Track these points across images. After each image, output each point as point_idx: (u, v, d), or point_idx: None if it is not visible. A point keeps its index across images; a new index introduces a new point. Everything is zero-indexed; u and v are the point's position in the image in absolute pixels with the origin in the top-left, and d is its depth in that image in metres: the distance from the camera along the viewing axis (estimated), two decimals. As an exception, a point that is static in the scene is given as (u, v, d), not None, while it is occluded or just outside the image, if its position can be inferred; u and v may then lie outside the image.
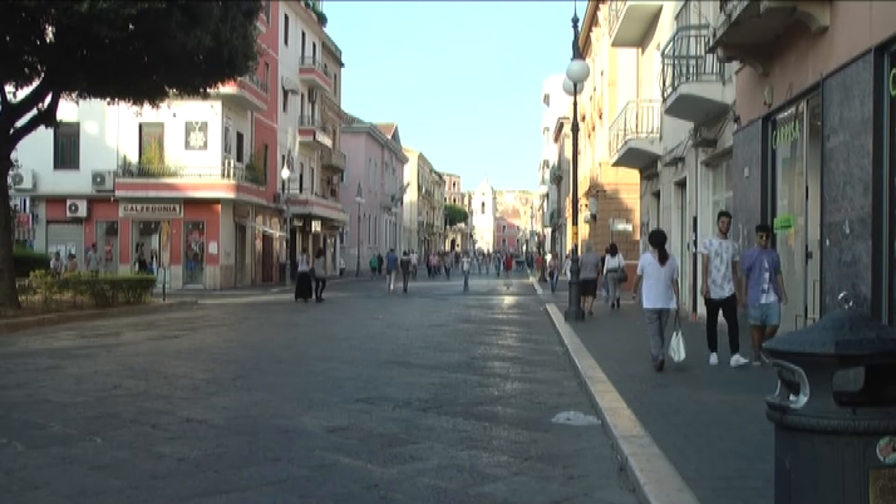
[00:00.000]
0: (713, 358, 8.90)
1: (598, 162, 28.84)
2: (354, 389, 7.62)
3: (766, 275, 8.36)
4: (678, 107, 13.58)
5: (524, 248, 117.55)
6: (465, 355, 10.34)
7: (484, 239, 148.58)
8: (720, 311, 8.88)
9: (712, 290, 8.66)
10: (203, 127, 27.72)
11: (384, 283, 29.54)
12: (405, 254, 30.86)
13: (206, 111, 27.17)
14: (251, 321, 16.41)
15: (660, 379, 7.77)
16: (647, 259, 8.60)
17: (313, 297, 22.28)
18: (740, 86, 11.64)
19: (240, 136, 30.22)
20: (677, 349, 8.39)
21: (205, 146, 27.72)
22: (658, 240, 8.57)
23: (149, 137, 27.78)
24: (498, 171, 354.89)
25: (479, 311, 18.97)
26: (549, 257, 29.77)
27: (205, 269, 27.82)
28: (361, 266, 45.75)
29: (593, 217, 29.21)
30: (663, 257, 8.49)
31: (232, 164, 27.87)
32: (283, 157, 34.93)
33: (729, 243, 8.75)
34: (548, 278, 26.33)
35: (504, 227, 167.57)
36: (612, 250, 17.82)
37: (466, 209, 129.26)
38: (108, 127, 27.76)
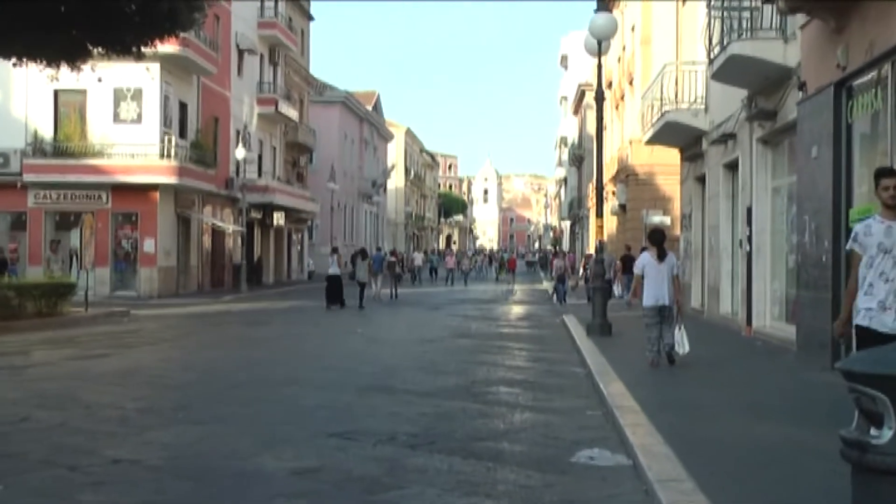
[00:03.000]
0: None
1: (627, 139, 28.87)
2: (327, 421, 7.63)
3: None
4: (728, 70, 13.60)
5: (536, 245, 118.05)
6: (463, 378, 10.41)
7: (487, 235, 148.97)
8: None
9: (874, 318, 5.50)
10: (136, 95, 27.65)
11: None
12: (392, 253, 30.87)
13: (139, 75, 27.10)
14: (197, 336, 16.38)
15: (707, 409, 7.78)
16: (646, 258, 10.72)
17: (344, 303, 23.17)
18: (807, 44, 11.66)
19: (183, 107, 30.17)
20: (682, 343, 10.52)
21: (138, 119, 27.66)
22: (657, 238, 10.71)
23: (67, 108, 27.68)
24: (504, 150, 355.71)
25: (481, 324, 19.02)
26: (561, 258, 29.63)
27: (139, 271, 27.77)
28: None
29: (622, 207, 29.24)
30: (661, 255, 10.53)
31: (173, 142, 27.82)
32: (238, 132, 34.90)
33: None
34: (556, 285, 26.40)
35: (512, 219, 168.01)
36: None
37: (465, 198, 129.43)
38: (15, 95, 27.65)
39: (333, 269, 24.18)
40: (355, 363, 11.87)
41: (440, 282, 40.98)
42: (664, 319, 10.51)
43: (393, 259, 29.75)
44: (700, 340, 14.27)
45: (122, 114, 27.68)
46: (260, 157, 38.26)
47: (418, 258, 41.80)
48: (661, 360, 10.54)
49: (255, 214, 36.16)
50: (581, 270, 25.31)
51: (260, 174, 37.02)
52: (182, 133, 29.75)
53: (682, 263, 21.05)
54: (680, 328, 10.54)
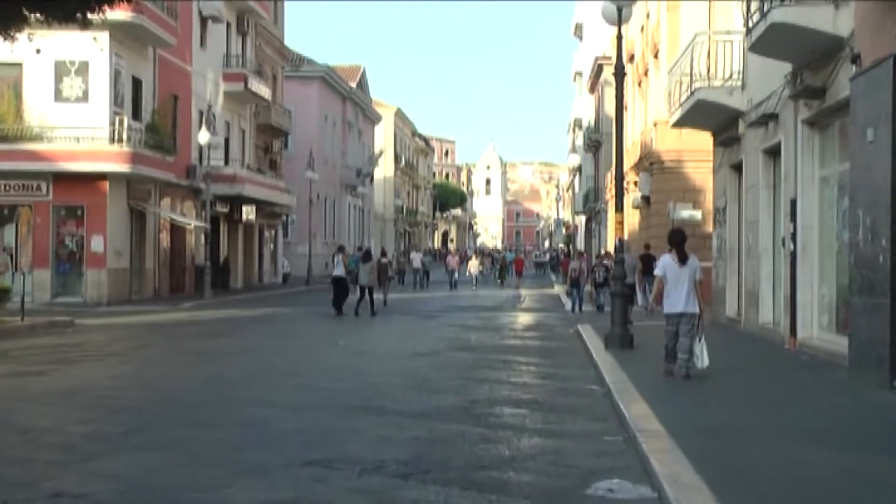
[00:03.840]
0: None
1: (652, 121, 28.87)
2: (304, 447, 7.62)
3: None
4: (769, 41, 13.59)
5: (546, 243, 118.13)
6: (462, 397, 10.43)
7: (489, 231, 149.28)
8: None
9: None
10: (82, 69, 27.59)
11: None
12: (383, 254, 30.96)
13: (86, 46, 27.05)
14: (154, 350, 16.36)
15: (744, 432, 7.78)
16: (666, 261, 11.25)
17: (342, 311, 23.68)
18: (862, 10, 11.65)
19: (137, 84, 30.13)
20: (700, 356, 11.02)
21: (85, 97, 27.60)
22: (676, 239, 11.30)
23: None
24: (509, 135, 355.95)
25: (482, 335, 19.06)
26: (577, 258, 29.59)
27: (85, 274, 27.72)
28: (314, 269, 45.85)
29: (645, 200, 29.24)
30: (682, 258, 11.09)
31: (126, 124, 27.78)
32: (201, 113, 34.86)
33: None
34: (569, 290, 26.36)
35: (518, 214, 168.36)
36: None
37: (464, 189, 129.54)
38: (-61, 68, 27.53)
39: (338, 271, 24.65)
40: (337, 380, 11.91)
41: (438, 286, 40.88)
42: (684, 328, 11.03)
43: (385, 260, 29.73)
44: (737, 354, 14.33)
45: (66, 91, 27.61)
46: (227, 142, 38.24)
47: (417, 259, 41.59)
48: (676, 370, 11.09)
49: (222, 208, 36.12)
50: (588, 273, 25.19)
51: (227, 161, 36.98)
52: (136, 114, 29.71)
53: (715, 265, 21.22)
54: (700, 339, 11.04)
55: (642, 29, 32.42)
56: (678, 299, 11.03)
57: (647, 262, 22.14)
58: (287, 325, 21.86)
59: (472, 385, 11.46)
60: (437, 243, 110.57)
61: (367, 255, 26.20)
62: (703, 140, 22.94)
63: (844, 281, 12.57)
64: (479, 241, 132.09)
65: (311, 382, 11.69)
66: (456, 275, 40.61)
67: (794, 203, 14.79)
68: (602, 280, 23.62)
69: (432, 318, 23.71)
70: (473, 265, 42.29)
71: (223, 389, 11.13)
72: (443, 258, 69.70)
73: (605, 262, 24.33)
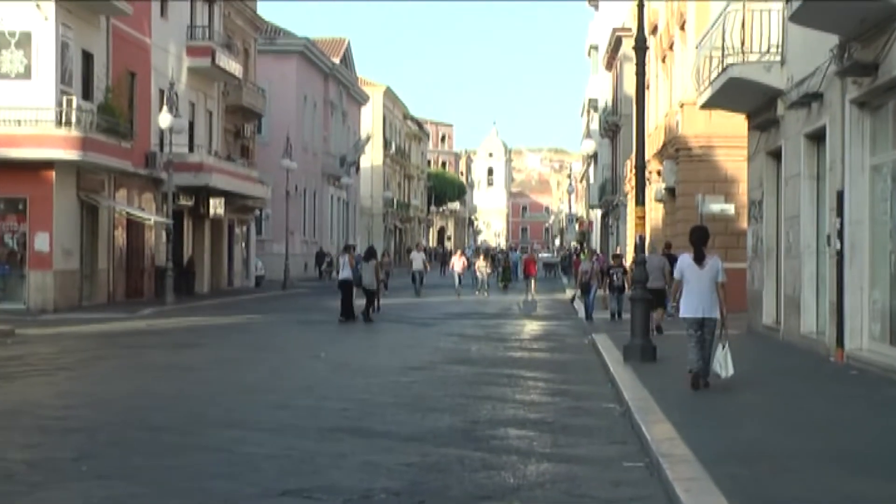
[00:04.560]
0: None
1: (678, 102, 28.91)
2: (280, 474, 7.63)
3: None
4: (813, 9, 13.59)
5: (557, 241, 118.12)
6: (460, 417, 10.45)
7: (492, 228, 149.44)
8: None
9: None
10: (23, 41, 27.53)
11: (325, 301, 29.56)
12: (382, 254, 31.12)
13: (28, 15, 27.02)
14: (109, 363, 16.31)
15: (783, 458, 7.79)
16: (686, 261, 11.74)
17: (362, 313, 24.60)
18: (915, -25, 11.64)
19: (88, 59, 30.08)
20: (724, 364, 11.46)
21: (27, 73, 27.54)
22: (696, 237, 11.83)
23: (-74, 58, 27.53)
24: (515, 118, 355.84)
25: (484, 346, 19.06)
26: (589, 259, 29.49)
27: (28, 277, 27.67)
28: (292, 271, 45.74)
29: (670, 192, 29.26)
30: (699, 258, 11.59)
31: (75, 104, 27.72)
32: (162, 92, 34.73)
33: None
34: (580, 295, 26.35)
35: (525, 208, 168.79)
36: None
37: (463, 179, 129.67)
38: None
39: (345, 273, 25.36)
40: (318, 398, 11.96)
41: (441, 290, 40.67)
42: (705, 335, 11.53)
43: (382, 260, 29.86)
44: (775, 367, 14.36)
45: (4, 66, 27.54)
46: (191, 126, 38.10)
47: (418, 259, 41.23)
48: (708, 376, 11.63)
49: (186, 201, 36.06)
50: (603, 276, 25.13)
51: (191, 148, 36.88)
52: (86, 93, 29.66)
53: (749, 266, 21.25)
54: (724, 347, 11.51)
55: (667, -4, 32.41)
56: (697, 303, 11.49)
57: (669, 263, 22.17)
58: (261, 335, 21.83)
59: (473, 403, 11.49)
60: (433, 241, 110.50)
61: (370, 253, 26.78)
62: (736, 124, 22.96)
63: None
64: (479, 239, 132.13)
65: (289, 401, 11.69)
66: (460, 279, 40.03)
67: (840, 195, 14.79)
68: (620, 283, 23.64)
69: (426, 327, 23.74)
70: (482, 266, 41.90)
71: (189, 409, 11.10)
72: (439, 258, 69.53)
73: (623, 262, 24.39)
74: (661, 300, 18.81)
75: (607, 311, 24.51)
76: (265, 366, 15.68)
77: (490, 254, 52.14)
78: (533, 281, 39.75)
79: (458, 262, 41.08)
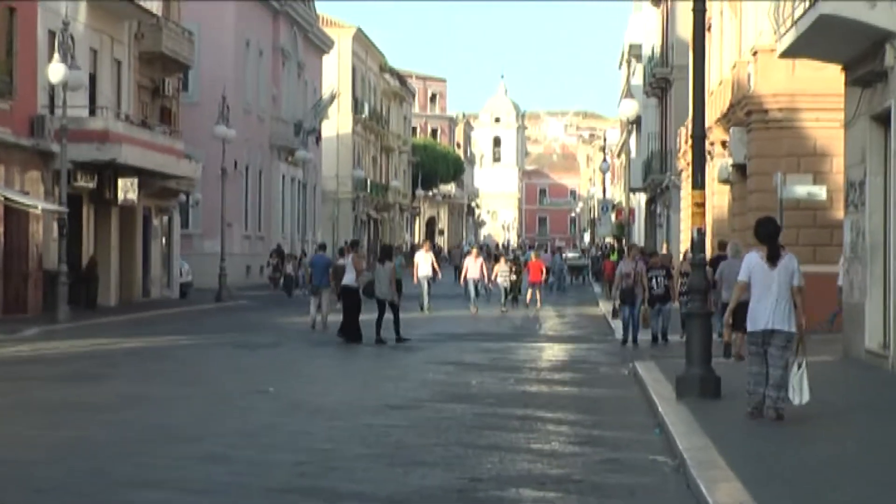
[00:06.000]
0: None
1: (750, 49, 28.84)
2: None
3: None
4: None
5: (587, 237, 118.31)
6: (456, 474, 10.51)
7: (499, 219, 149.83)
8: None
9: None
10: None
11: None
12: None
13: None
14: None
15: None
16: (753, 260, 12.32)
17: (361, 336, 25.30)
18: None
19: (-46, -11, 29.97)
20: (798, 388, 11.95)
21: None
22: (766, 231, 12.31)
23: None
24: (529, 73, 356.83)
25: (489, 377, 19.22)
26: (632, 260, 29.17)
27: None
28: (231, 277, 45.97)
29: (739, 170, 29.23)
30: (773, 255, 11.99)
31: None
32: (53, 34, 34.58)
33: None
34: (617, 306, 26.14)
35: (543, 191, 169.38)
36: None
37: (460, 153, 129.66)
38: None
39: (350, 278, 26.02)
40: (265, 448, 12.00)
41: (449, 302, 40.57)
42: (774, 353, 12.07)
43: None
44: (883, 406, 14.29)
45: None
46: (93, 80, 38.12)
47: (425, 264, 40.74)
48: (766, 410, 12.10)
49: (86, 182, 36.00)
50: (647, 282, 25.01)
51: (93, 111, 37.01)
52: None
53: (847, 266, 21.13)
54: (799, 367, 11.98)
55: None
56: (764, 312, 11.99)
57: (717, 265, 21.96)
58: (187, 362, 21.88)
59: (473, 455, 11.54)
60: (419, 236, 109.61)
61: (386, 253, 27.34)
62: (829, 78, 23.00)
63: None
64: (483, 233, 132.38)
65: (225, 451, 11.73)
66: (477, 288, 38.73)
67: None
68: (663, 292, 23.60)
69: (411, 352, 23.83)
70: (504, 272, 40.52)
71: (88, 462, 11.05)
72: (452, 260, 68.59)
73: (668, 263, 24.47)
74: (741, 320, 18.39)
75: (648, 331, 24.38)
76: (193, 404, 15.74)
77: (514, 255, 52.02)
78: (538, 292, 39.59)
79: (473, 266, 39.77)
